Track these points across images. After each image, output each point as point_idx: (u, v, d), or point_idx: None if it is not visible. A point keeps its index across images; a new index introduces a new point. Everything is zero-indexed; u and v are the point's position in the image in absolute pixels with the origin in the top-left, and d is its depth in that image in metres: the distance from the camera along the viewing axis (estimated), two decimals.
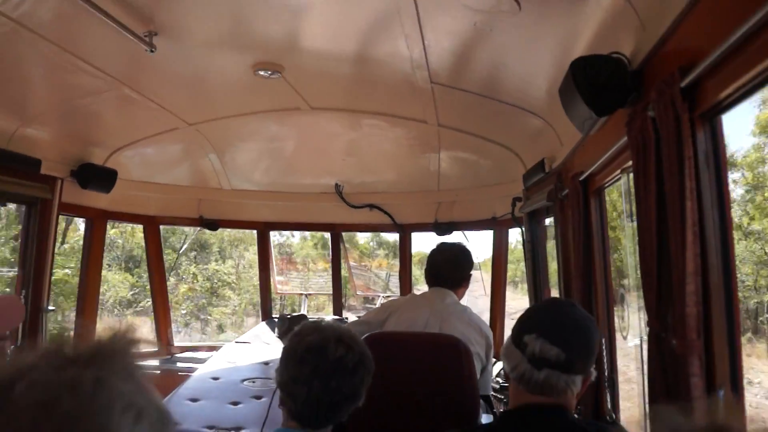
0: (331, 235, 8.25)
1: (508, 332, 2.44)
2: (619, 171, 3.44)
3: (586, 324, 2.29)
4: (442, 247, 4.45)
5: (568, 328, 2.22)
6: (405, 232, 7.76)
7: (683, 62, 2.24)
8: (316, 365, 2.36)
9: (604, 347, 3.97)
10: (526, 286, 6.45)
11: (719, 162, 2.24)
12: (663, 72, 2.42)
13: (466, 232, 7.46)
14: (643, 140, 2.54)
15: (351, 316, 7.79)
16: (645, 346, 2.73)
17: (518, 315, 2.49)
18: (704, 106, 2.17)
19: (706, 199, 2.21)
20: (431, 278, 4.32)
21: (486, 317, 7.32)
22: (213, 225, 7.89)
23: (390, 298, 4.57)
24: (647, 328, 2.57)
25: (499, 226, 7.14)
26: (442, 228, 7.38)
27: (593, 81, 2.81)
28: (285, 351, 2.49)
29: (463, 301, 4.37)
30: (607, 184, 3.87)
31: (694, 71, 2.12)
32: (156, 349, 7.29)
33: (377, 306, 4.45)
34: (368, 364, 2.46)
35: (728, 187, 2.28)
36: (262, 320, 8.16)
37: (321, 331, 2.47)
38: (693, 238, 2.16)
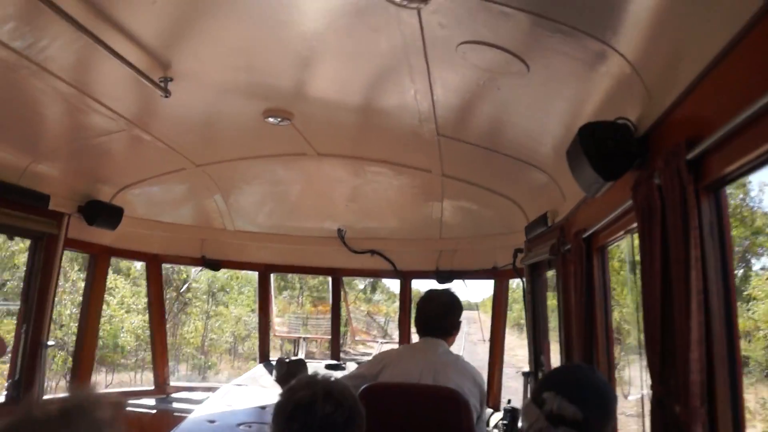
0: (331, 279, 8.26)
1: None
2: (623, 231, 3.48)
3: (605, 387, 2.33)
4: (430, 295, 4.47)
5: (587, 389, 2.25)
6: (406, 278, 7.78)
7: (690, 133, 2.30)
8: (304, 422, 2.36)
9: None
10: None
11: (723, 232, 2.28)
12: (669, 141, 2.48)
13: (467, 281, 7.49)
14: (649, 206, 2.59)
15: (350, 365, 7.75)
16: (647, 402, 2.75)
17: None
18: (709, 179, 2.22)
19: (710, 268, 2.25)
20: (421, 328, 4.34)
21: (485, 364, 7.32)
22: (215, 265, 7.92)
23: (383, 350, 4.58)
24: (650, 392, 2.58)
25: (500, 276, 7.17)
26: (443, 276, 7.39)
27: (601, 147, 2.87)
28: (276, 407, 2.48)
29: (461, 349, 4.39)
30: (610, 243, 3.91)
31: (700, 145, 2.17)
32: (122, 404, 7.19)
33: (370, 359, 4.45)
34: (359, 420, 2.45)
35: (732, 257, 2.32)
36: (260, 362, 8.13)
37: (311, 386, 2.46)
38: (698, 307, 2.20)
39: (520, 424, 3.62)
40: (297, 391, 2.46)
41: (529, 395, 2.38)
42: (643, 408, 3.40)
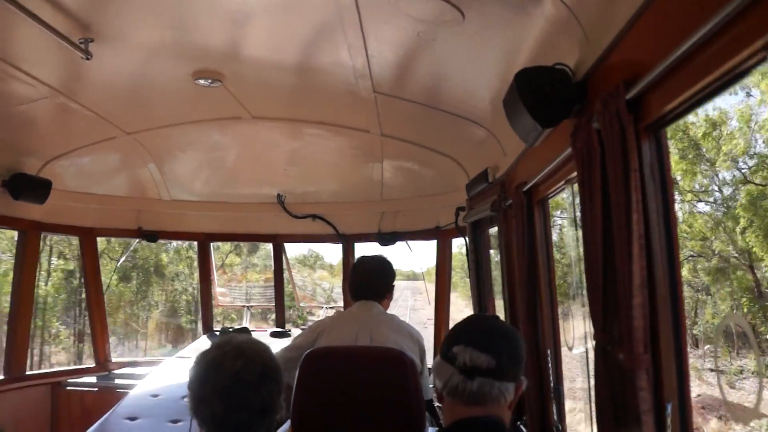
0: (273, 246, 8.13)
1: None
2: (563, 182, 3.45)
3: (512, 332, 2.34)
4: (363, 260, 4.50)
5: (494, 336, 2.24)
6: (348, 242, 7.69)
7: (628, 75, 2.24)
8: (215, 383, 2.28)
9: (549, 358, 3.98)
10: None
11: (664, 174, 2.24)
12: (607, 84, 2.42)
13: (410, 242, 7.45)
14: (588, 152, 2.53)
15: (294, 329, 7.68)
16: (591, 356, 2.73)
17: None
18: (649, 119, 2.17)
19: (651, 211, 2.21)
20: (355, 292, 4.34)
21: (430, 328, 7.33)
22: (152, 236, 7.70)
23: (320, 319, 4.57)
24: (593, 341, 2.56)
25: (442, 236, 7.14)
26: (386, 238, 7.34)
27: (538, 93, 2.80)
28: (189, 372, 2.40)
29: (407, 316, 4.38)
30: (551, 195, 3.87)
31: (638, 84, 2.12)
32: None
33: (305, 329, 4.45)
34: (274, 375, 2.36)
35: (674, 200, 2.29)
36: (203, 334, 8.01)
37: (222, 346, 2.38)
38: (639, 251, 2.16)
39: (431, 384, 3.62)
40: (208, 353, 2.39)
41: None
42: (587, 359, 3.40)
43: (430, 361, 3.95)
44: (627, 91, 2.19)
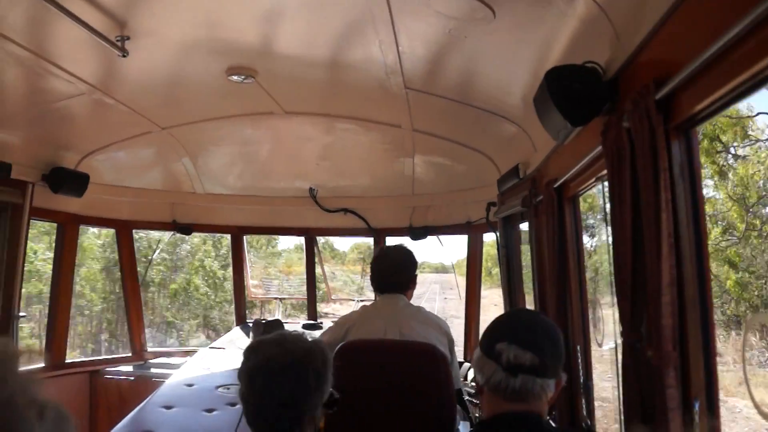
0: (305, 239, 8.20)
1: None
2: (593, 179, 3.45)
3: (553, 328, 2.32)
4: (384, 252, 4.49)
5: (537, 333, 2.23)
6: (379, 236, 7.72)
7: (658, 74, 2.25)
8: (252, 363, 2.36)
9: (579, 354, 3.99)
10: None
11: (694, 174, 2.24)
12: (638, 83, 2.43)
13: (441, 237, 7.47)
14: (618, 150, 2.54)
15: (326, 322, 7.73)
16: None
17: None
18: (679, 119, 2.17)
19: (681, 210, 2.22)
20: (378, 285, 4.31)
21: (461, 321, 7.34)
22: (186, 229, 7.82)
23: (347, 314, 4.55)
24: (621, 338, 2.57)
25: (473, 231, 7.15)
26: (417, 232, 7.36)
27: (568, 92, 2.81)
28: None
29: (437, 309, 4.36)
30: (581, 192, 3.88)
31: (669, 84, 2.12)
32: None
33: (332, 325, 4.42)
34: (304, 372, 2.35)
35: (703, 199, 2.29)
36: (237, 325, 8.10)
37: (277, 334, 2.47)
38: (668, 250, 2.17)
39: (470, 378, 3.60)
40: (259, 338, 2.50)
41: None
42: (616, 356, 3.40)
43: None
44: (657, 91, 2.20)
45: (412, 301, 4.36)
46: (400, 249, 4.47)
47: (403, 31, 3.80)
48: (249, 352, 2.41)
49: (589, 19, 2.88)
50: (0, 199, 5.44)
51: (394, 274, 4.27)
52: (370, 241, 7.86)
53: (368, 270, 4.57)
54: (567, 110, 2.83)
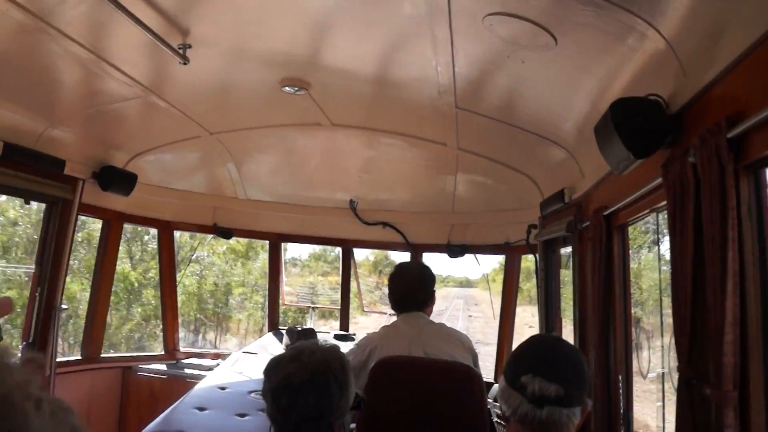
0: (342, 250, 8.25)
1: None
2: (648, 210, 3.45)
3: (577, 355, 2.31)
4: (401, 269, 4.38)
5: (561, 364, 2.23)
6: (417, 251, 7.74)
7: (729, 112, 2.26)
8: (270, 382, 2.39)
9: (620, 384, 3.97)
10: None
11: (762, 214, 2.25)
12: (705, 119, 2.44)
13: (479, 256, 7.48)
14: (681, 185, 2.55)
15: (359, 332, 7.76)
16: (665, 383, 2.73)
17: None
18: (750, 158, 2.18)
19: (746, 250, 2.22)
20: (397, 304, 4.22)
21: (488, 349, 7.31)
22: (227, 233, 7.92)
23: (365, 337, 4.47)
24: (677, 374, 2.57)
25: (511, 252, 7.15)
26: (455, 250, 7.37)
27: (632, 124, 2.82)
28: None
29: (461, 329, 4.28)
30: (631, 222, 3.87)
31: (742, 124, 2.13)
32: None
33: (354, 347, 4.36)
34: (325, 384, 2.39)
35: None
36: (269, 331, 8.15)
37: (289, 349, 2.50)
38: (733, 288, 2.17)
39: (494, 405, 3.53)
40: (277, 355, 2.52)
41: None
42: (663, 387, 3.39)
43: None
44: (728, 129, 2.20)
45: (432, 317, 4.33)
46: (418, 266, 4.45)
47: (462, 52, 3.83)
48: (269, 372, 2.43)
49: (655, 53, 2.89)
50: (52, 193, 5.59)
51: (413, 291, 4.20)
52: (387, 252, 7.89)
53: (384, 281, 4.51)
54: (631, 142, 2.84)
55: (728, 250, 2.17)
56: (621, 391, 3.97)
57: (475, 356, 4.07)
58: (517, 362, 2.32)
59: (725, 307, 2.17)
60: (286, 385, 2.35)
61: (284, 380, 2.36)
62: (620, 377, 3.96)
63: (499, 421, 5.10)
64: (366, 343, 4.23)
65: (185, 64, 4.16)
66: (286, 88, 4.85)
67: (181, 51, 4.10)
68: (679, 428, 2.54)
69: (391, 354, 3.93)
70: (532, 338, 2.48)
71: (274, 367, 2.43)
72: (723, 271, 2.19)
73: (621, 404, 3.96)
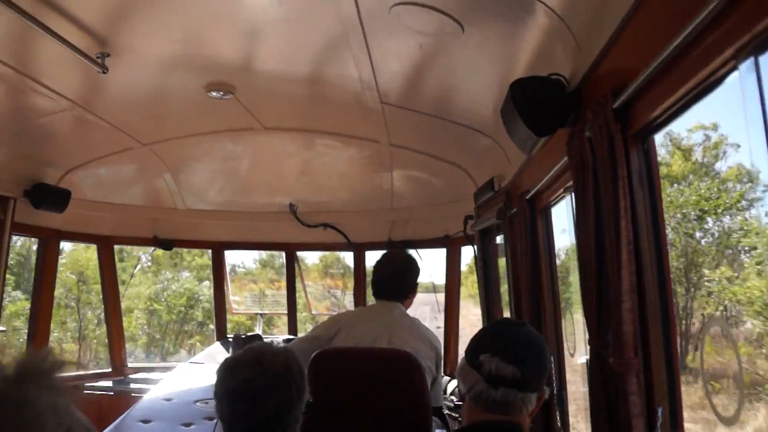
0: (285, 254, 8.19)
1: (462, 350, 2.44)
2: (562, 190, 3.49)
3: (539, 342, 2.31)
4: (387, 257, 4.40)
5: (521, 347, 2.23)
6: (359, 250, 7.73)
7: (616, 83, 2.28)
8: (227, 386, 2.35)
9: (552, 365, 4.00)
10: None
11: (653, 181, 2.28)
12: (598, 93, 2.47)
13: (420, 251, 7.48)
14: (582, 160, 2.58)
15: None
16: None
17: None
18: (636, 127, 2.21)
19: (640, 217, 2.25)
20: (378, 290, 4.26)
21: (440, 335, 7.34)
22: (168, 245, 7.80)
23: (339, 312, 4.46)
24: (588, 346, 2.60)
25: (452, 245, 7.15)
26: (396, 246, 7.34)
27: (532, 103, 2.85)
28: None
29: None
30: (553, 203, 3.91)
31: (624, 93, 2.16)
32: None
33: (326, 320, 4.35)
34: (286, 387, 2.37)
35: (662, 206, 2.33)
36: (217, 340, 8.07)
37: (245, 352, 2.45)
38: (628, 257, 2.20)
39: (454, 386, 3.57)
40: (232, 356, 2.48)
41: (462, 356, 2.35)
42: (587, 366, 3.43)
43: None
44: (614, 100, 2.24)
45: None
46: (403, 255, 4.45)
47: (376, 46, 3.84)
48: (226, 373, 2.38)
49: (552, 31, 2.92)
50: None
51: (393, 280, 4.23)
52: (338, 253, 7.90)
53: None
54: (532, 121, 2.87)
55: (621, 219, 2.20)
56: (553, 371, 4.00)
57: (439, 356, 4.08)
58: (478, 341, 2.32)
59: (622, 275, 2.19)
60: (247, 387, 2.32)
61: (244, 383, 2.32)
62: (551, 358, 3.99)
63: (450, 413, 5.12)
64: (338, 318, 4.27)
65: (104, 73, 4.09)
66: (212, 93, 4.80)
67: (99, 60, 4.03)
68: (592, 399, 2.57)
69: (358, 335, 3.97)
70: (499, 320, 2.48)
71: (231, 368, 2.38)
72: (618, 241, 2.21)
73: (554, 385, 3.99)
